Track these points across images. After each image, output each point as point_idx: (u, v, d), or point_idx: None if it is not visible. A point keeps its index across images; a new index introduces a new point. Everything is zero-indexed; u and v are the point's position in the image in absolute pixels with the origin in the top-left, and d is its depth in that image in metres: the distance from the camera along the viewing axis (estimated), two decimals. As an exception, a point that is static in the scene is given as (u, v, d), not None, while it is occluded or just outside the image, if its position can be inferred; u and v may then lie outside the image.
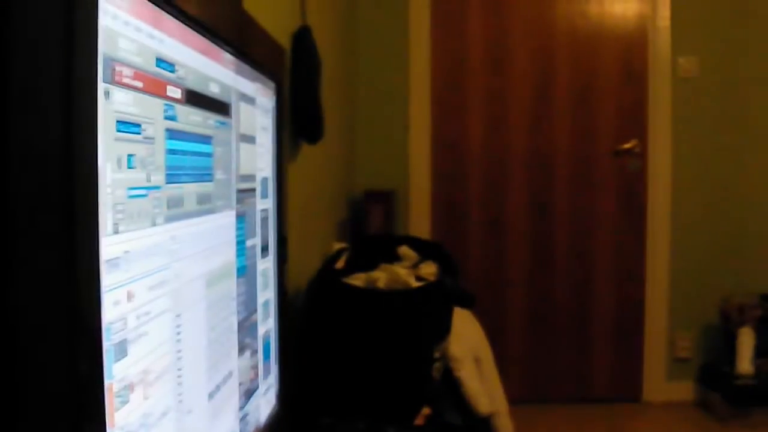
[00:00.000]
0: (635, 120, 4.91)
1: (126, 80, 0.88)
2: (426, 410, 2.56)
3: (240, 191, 1.47)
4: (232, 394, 1.41)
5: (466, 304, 3.23)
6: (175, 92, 1.07)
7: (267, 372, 1.76)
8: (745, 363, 4.51)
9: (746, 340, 4.53)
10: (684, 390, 4.94)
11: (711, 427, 4.51)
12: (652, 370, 4.98)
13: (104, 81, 0.82)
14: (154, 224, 0.98)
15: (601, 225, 4.96)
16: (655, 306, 4.95)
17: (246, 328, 1.52)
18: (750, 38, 4.88)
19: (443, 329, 2.72)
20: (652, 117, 4.88)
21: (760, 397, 4.47)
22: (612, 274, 4.98)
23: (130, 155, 0.89)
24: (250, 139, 1.56)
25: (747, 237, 4.92)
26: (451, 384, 2.89)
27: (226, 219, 1.37)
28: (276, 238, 1.84)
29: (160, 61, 1.01)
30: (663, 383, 4.97)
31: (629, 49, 4.89)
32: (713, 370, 4.75)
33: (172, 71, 1.06)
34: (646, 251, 4.96)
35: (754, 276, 4.89)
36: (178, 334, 1.08)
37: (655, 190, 4.91)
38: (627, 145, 4.90)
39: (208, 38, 1.24)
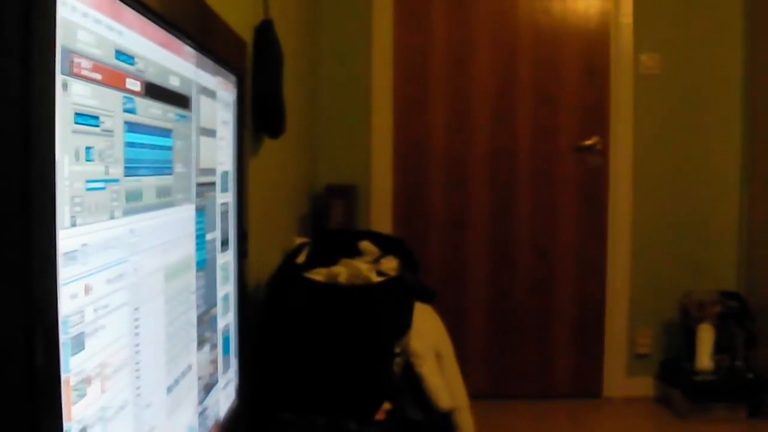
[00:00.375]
0: (597, 117, 4.93)
1: (84, 72, 0.88)
2: (387, 405, 2.56)
3: (200, 185, 1.46)
4: (191, 388, 1.41)
5: (427, 299, 3.24)
6: (135, 85, 1.07)
7: (227, 366, 1.75)
8: (705, 359, 4.55)
9: (705, 337, 4.57)
10: (644, 386, 4.98)
11: (670, 423, 4.55)
12: (612, 366, 5.01)
13: (62, 73, 0.82)
14: (112, 217, 0.98)
15: (562, 222, 4.98)
16: (616, 302, 4.98)
17: (205, 322, 1.51)
18: (711, 36, 4.92)
19: (404, 324, 2.72)
20: (614, 114, 4.91)
21: (718, 392, 4.51)
22: (573, 271, 5.01)
23: (88, 148, 0.89)
24: (210, 133, 1.56)
25: (707, 234, 4.97)
26: (412, 379, 2.89)
27: (186, 212, 1.37)
28: (236, 232, 1.84)
29: (120, 54, 1.00)
30: (623, 379, 5.01)
31: (591, 46, 4.92)
32: (673, 366, 4.79)
33: (132, 63, 1.06)
34: (607, 248, 4.99)
35: (714, 272, 4.94)
36: (137, 327, 1.08)
37: (616, 187, 4.94)
38: (588, 142, 4.92)
39: (168, 31, 1.24)
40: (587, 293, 5.00)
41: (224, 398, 1.73)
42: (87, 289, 0.89)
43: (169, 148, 1.25)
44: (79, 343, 0.87)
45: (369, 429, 2.47)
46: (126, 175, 1.02)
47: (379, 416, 2.53)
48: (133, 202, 1.06)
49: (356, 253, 2.98)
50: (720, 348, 4.59)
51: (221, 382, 1.69)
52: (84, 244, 0.88)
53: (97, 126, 0.92)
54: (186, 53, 1.36)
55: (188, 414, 1.39)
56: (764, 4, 4.76)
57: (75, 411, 0.86)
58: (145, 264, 1.13)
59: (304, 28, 4.27)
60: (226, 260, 1.74)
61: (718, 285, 4.83)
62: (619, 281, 4.97)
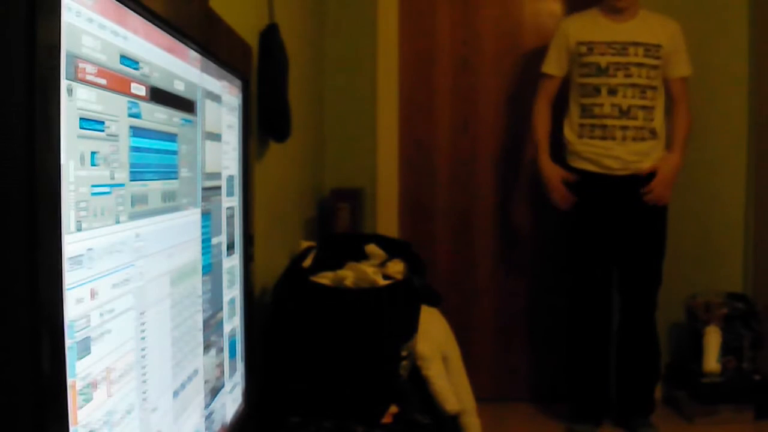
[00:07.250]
0: (602, 119, 4.92)
1: (89, 77, 0.88)
2: (393, 409, 2.56)
3: (205, 189, 1.47)
4: (197, 392, 1.41)
5: (434, 302, 3.24)
6: (140, 89, 1.07)
7: (233, 370, 1.75)
8: (712, 361, 4.53)
9: (712, 339, 4.56)
10: (650, 388, 4.97)
11: (677, 425, 4.54)
12: (618, 368, 4.99)
13: (67, 78, 0.82)
14: (118, 222, 0.98)
15: (569, 224, 4.97)
16: (622, 304, 4.97)
17: (211, 326, 1.52)
18: (716, 35, 4.91)
19: (410, 328, 2.72)
20: (619, 116, 4.90)
21: (726, 394, 4.50)
22: (579, 273, 4.99)
23: (93, 152, 0.89)
24: (215, 137, 1.56)
25: (713, 235, 4.95)
26: (418, 382, 2.89)
27: (192, 217, 1.37)
28: (242, 236, 1.84)
29: (125, 59, 1.00)
30: (629, 381, 4.99)
31: (596, 49, 4.91)
32: (680, 369, 4.78)
33: (137, 68, 1.06)
34: (613, 250, 4.97)
35: (721, 274, 4.93)
36: (143, 331, 1.08)
37: (621, 189, 4.92)
38: (594, 145, 4.91)
39: (173, 36, 1.24)
40: (594, 296, 4.98)
41: (231, 402, 1.73)
42: (93, 294, 0.89)
43: (175, 153, 1.25)
44: (85, 348, 0.87)
45: (376, 432, 2.48)
46: (131, 180, 1.03)
47: (386, 420, 2.53)
48: (139, 207, 1.06)
49: (362, 256, 2.98)
50: (727, 350, 4.57)
51: (228, 386, 1.69)
52: (89, 249, 0.88)
53: (102, 131, 0.92)
54: (191, 58, 1.37)
55: (195, 418, 1.39)
56: (770, 6, 4.76)
57: (81, 415, 0.86)
58: (151, 268, 1.13)
59: (309, 31, 4.27)
60: (232, 264, 1.74)
61: (725, 286, 4.82)
62: (626, 283, 4.95)
